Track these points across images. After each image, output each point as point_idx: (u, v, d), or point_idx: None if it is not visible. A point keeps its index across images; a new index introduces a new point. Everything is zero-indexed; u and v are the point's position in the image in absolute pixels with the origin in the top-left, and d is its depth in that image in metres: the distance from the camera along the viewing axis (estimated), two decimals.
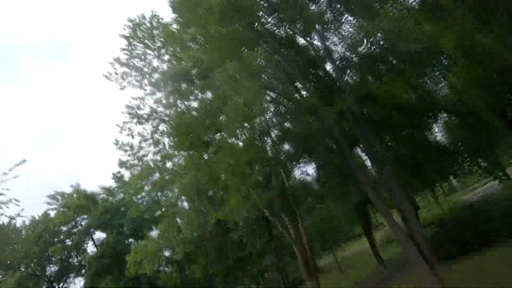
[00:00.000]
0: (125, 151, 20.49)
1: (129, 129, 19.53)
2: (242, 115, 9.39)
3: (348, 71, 12.67)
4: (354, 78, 12.78)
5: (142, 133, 20.80)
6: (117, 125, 19.38)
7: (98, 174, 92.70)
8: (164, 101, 20.16)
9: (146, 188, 32.40)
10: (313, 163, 16.72)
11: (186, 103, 17.31)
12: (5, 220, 11.01)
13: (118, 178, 39.04)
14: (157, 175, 32.82)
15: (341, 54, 12.90)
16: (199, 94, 15.89)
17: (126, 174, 36.62)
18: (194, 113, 15.42)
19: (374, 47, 12.42)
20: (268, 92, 12.96)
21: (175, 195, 27.40)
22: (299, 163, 15.59)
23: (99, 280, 32.06)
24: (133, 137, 19.94)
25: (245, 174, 15.99)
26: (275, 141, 14.92)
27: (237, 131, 11.59)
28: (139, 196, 38.32)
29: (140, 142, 20.96)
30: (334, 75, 13.41)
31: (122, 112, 19.48)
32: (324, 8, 14.06)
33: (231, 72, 8.43)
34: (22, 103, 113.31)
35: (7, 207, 10.29)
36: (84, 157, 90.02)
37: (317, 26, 14.12)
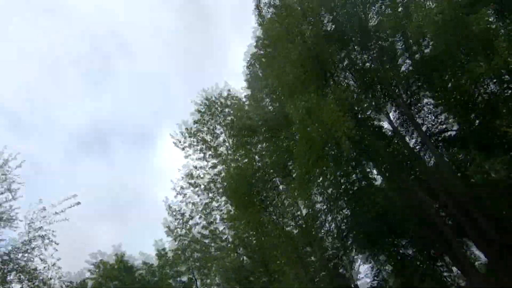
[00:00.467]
0: (176, 218, 19.96)
1: (185, 195, 19.32)
2: (317, 148, 8.39)
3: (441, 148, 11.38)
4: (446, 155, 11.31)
5: (196, 203, 20.39)
6: (173, 188, 19.37)
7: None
8: (224, 173, 20.12)
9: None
10: (382, 258, 13.97)
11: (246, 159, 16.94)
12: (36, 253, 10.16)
13: (161, 255, 37.84)
14: (198, 255, 31.02)
15: (427, 132, 11.87)
16: (263, 146, 15.55)
17: (168, 246, 35.27)
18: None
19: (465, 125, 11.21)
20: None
21: (213, 277, 24.94)
22: (369, 255, 13.14)
23: None
24: (186, 204, 19.57)
25: (302, 258, 13.90)
26: (342, 223, 13.09)
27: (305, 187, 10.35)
28: (177, 279, 35.93)
29: (191, 212, 20.42)
30: (412, 150, 12.14)
31: (182, 177, 19.62)
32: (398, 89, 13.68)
33: (310, 103, 7.97)
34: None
35: (14, 194, 9.88)
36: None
37: (390, 106, 13.63)
